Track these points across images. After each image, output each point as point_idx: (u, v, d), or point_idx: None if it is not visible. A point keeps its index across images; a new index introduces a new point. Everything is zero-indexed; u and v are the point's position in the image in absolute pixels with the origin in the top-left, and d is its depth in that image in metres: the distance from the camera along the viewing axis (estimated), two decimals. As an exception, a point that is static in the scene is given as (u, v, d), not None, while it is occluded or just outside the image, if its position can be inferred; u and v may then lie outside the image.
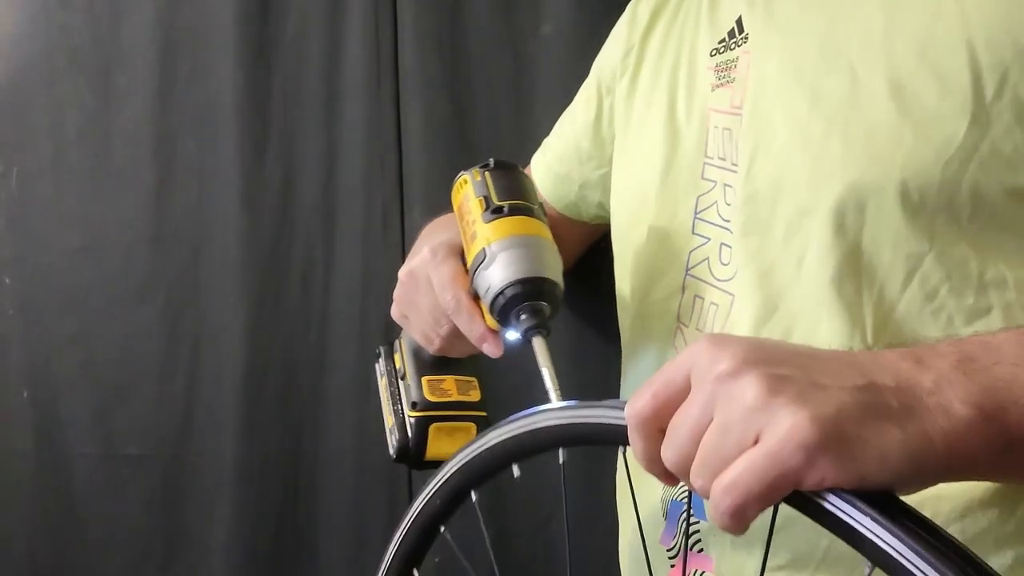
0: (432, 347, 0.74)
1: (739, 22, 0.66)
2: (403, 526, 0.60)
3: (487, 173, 0.69)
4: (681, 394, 0.42)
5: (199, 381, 1.19)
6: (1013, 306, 0.53)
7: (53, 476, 1.24)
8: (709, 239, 0.65)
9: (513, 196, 0.67)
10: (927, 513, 0.47)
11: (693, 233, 0.67)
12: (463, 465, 0.56)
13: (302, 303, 1.14)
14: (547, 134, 0.94)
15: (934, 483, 0.41)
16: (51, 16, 1.25)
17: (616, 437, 0.47)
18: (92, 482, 1.23)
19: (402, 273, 0.72)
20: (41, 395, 1.25)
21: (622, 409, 0.45)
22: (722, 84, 0.66)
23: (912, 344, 0.51)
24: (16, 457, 1.26)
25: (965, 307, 0.54)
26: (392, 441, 0.76)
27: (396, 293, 0.74)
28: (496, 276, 0.63)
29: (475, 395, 0.75)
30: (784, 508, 0.40)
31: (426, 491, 0.58)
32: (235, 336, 1.15)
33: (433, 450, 0.73)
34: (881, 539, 0.37)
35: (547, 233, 0.66)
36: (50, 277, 1.25)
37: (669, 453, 0.43)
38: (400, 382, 0.78)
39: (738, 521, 0.40)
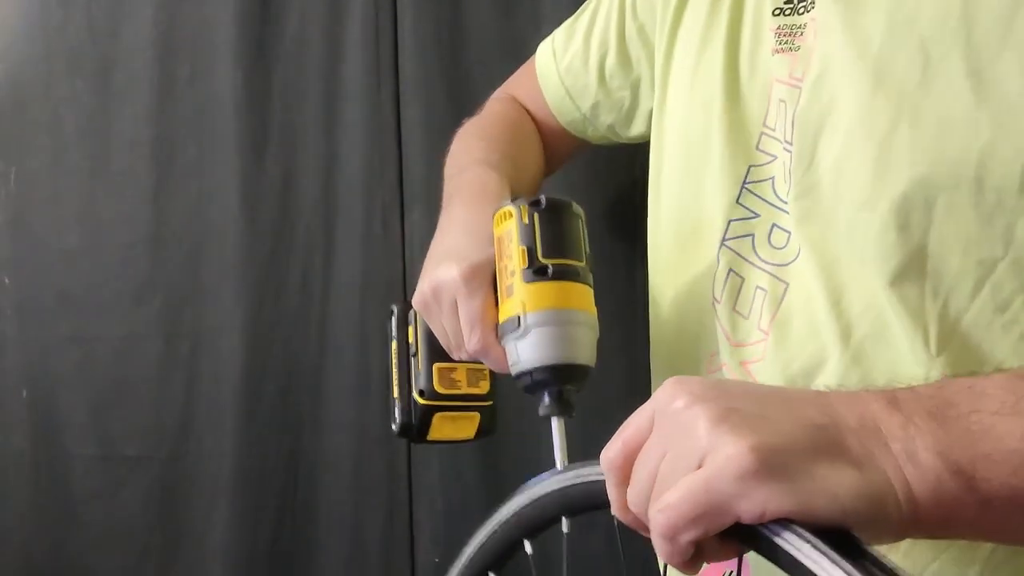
0: (451, 355, 0.70)
1: None
2: None
3: (536, 215, 0.61)
4: (646, 437, 0.42)
5: (198, 381, 1.18)
6: None
7: (51, 476, 1.24)
8: (758, 215, 0.61)
9: (560, 253, 0.60)
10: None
11: (737, 202, 0.62)
12: (481, 546, 0.58)
13: (302, 303, 1.14)
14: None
15: (911, 534, 0.40)
16: (50, 16, 1.25)
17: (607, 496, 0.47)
18: (90, 482, 1.22)
19: (427, 283, 0.65)
20: (39, 395, 1.25)
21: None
22: (782, 50, 0.61)
23: (979, 361, 0.50)
24: (14, 457, 1.26)
25: None
26: (396, 415, 0.74)
27: (418, 295, 0.68)
28: (526, 354, 0.59)
29: (484, 386, 0.73)
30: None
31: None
32: (234, 336, 1.15)
33: (435, 434, 0.73)
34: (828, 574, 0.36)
35: (589, 302, 0.60)
36: (49, 277, 1.25)
37: (631, 493, 0.42)
38: (411, 359, 0.75)
39: (671, 543, 0.39)
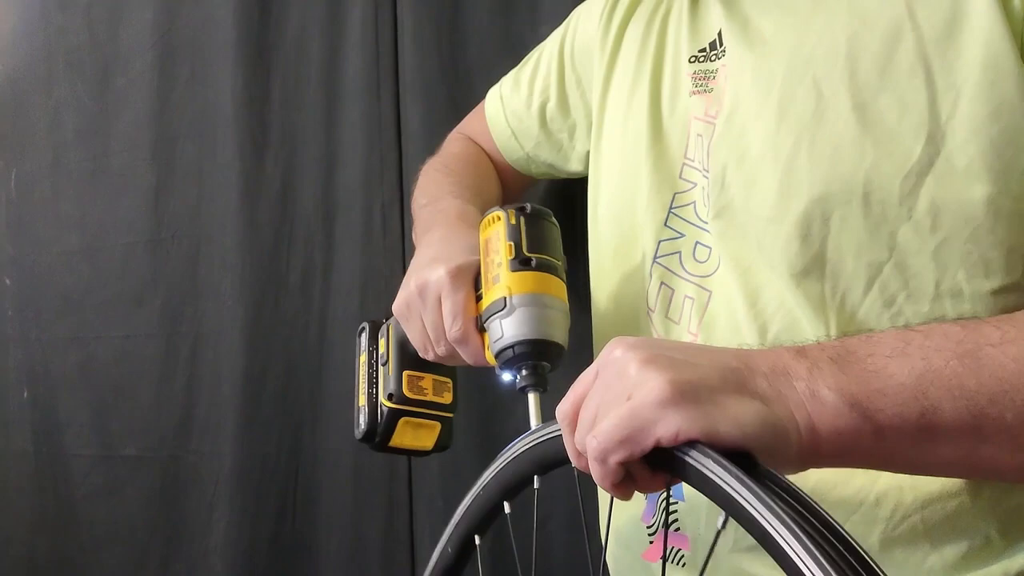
0: (424, 355, 0.75)
1: (720, 36, 0.69)
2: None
3: (522, 218, 0.70)
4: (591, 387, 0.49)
5: (198, 382, 1.19)
6: (966, 316, 0.55)
7: (52, 476, 1.24)
8: (683, 235, 0.69)
9: (542, 250, 0.69)
10: (890, 504, 0.57)
11: (665, 225, 0.70)
12: (466, 510, 0.62)
13: (302, 304, 1.14)
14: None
15: (812, 463, 0.47)
16: (50, 18, 1.25)
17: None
18: (91, 482, 1.23)
19: (413, 282, 0.72)
20: (40, 396, 1.25)
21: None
22: (699, 92, 0.69)
23: None
24: (15, 457, 1.26)
25: (921, 314, 0.56)
26: (360, 421, 0.79)
27: (402, 296, 0.74)
28: (510, 329, 0.66)
29: (448, 397, 0.79)
30: None
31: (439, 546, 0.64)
32: (234, 337, 1.15)
33: (397, 440, 0.78)
34: (732, 488, 0.42)
35: (564, 295, 0.68)
36: (49, 278, 1.25)
37: (577, 435, 0.49)
38: (381, 367, 0.81)
39: (602, 465, 0.46)
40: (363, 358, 0.82)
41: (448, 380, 0.79)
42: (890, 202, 0.56)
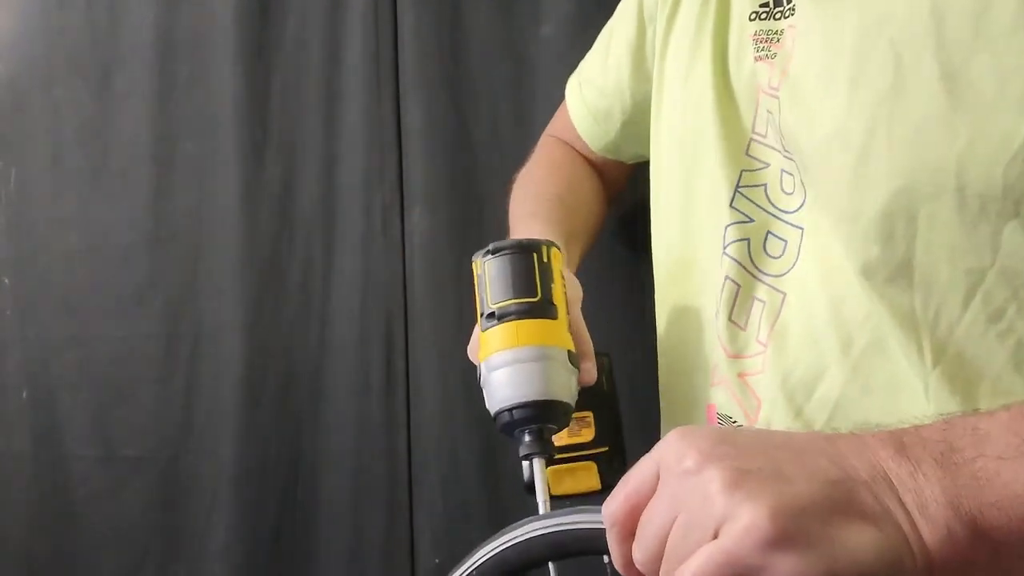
0: None
1: None
2: None
3: (486, 264, 0.62)
4: (652, 492, 0.41)
5: (198, 382, 1.18)
6: None
7: (52, 477, 1.24)
8: (753, 220, 0.60)
9: (505, 295, 0.60)
10: None
11: (731, 206, 0.61)
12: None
13: (302, 304, 1.14)
14: (547, 135, 0.94)
15: None
16: (49, 18, 1.25)
17: (601, 544, 0.45)
18: (91, 483, 1.22)
19: None
20: (40, 396, 1.25)
21: (599, 513, 0.44)
22: (762, 57, 0.60)
23: (977, 372, 0.49)
24: (15, 458, 1.26)
25: None
26: (524, 478, 0.71)
27: None
28: (489, 401, 0.60)
29: (587, 434, 0.70)
30: None
31: None
32: (235, 337, 1.15)
33: (557, 489, 0.69)
34: None
35: (548, 336, 0.59)
36: (49, 278, 1.25)
37: (638, 553, 0.41)
38: None
39: None
40: None
41: (587, 414, 0.71)
42: (991, 194, 0.46)
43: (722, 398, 0.62)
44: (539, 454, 0.58)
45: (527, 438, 0.58)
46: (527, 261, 0.61)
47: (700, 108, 0.63)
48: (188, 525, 1.18)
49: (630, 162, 0.87)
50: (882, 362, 0.52)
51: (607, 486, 0.70)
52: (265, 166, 1.14)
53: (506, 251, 0.61)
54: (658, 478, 0.40)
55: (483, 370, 0.59)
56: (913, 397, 0.51)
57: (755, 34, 0.61)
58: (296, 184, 1.13)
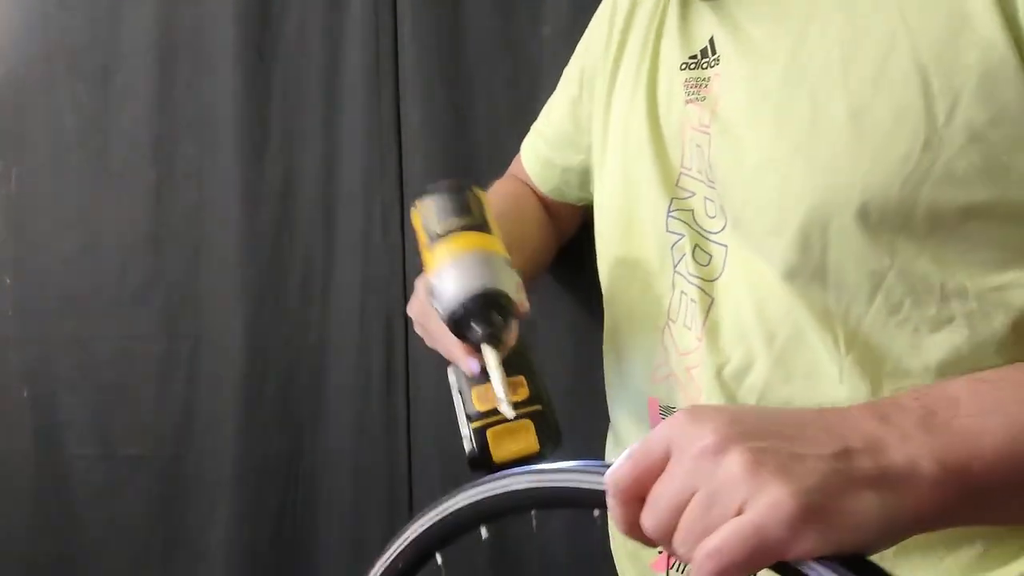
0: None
1: (712, 43, 0.68)
2: None
3: (426, 202, 0.71)
4: (660, 464, 0.45)
5: (198, 382, 1.19)
6: (975, 314, 0.56)
7: (52, 477, 1.24)
8: (683, 235, 0.69)
9: (447, 218, 0.68)
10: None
11: (667, 231, 0.70)
12: (426, 529, 0.55)
13: (302, 304, 1.14)
14: (547, 134, 0.95)
15: (913, 534, 0.44)
16: (49, 17, 1.25)
17: (591, 501, 0.48)
18: (91, 482, 1.22)
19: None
20: (40, 395, 1.25)
21: (598, 473, 0.47)
22: (692, 100, 0.69)
23: (882, 355, 0.58)
24: (15, 457, 1.26)
25: (929, 318, 0.56)
26: (465, 452, 0.75)
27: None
28: (441, 311, 0.65)
29: (522, 392, 0.73)
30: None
31: (388, 553, 0.56)
32: (235, 337, 1.15)
33: (499, 453, 0.72)
34: None
35: (490, 244, 0.67)
36: (49, 278, 1.25)
37: (650, 522, 0.45)
38: (459, 396, 0.78)
39: None
40: (454, 394, 0.80)
41: (518, 376, 0.74)
42: (888, 209, 0.55)
43: (663, 392, 0.71)
44: (490, 339, 0.63)
45: (478, 328, 0.63)
46: (462, 193, 0.71)
47: (640, 149, 0.73)
48: (188, 523, 1.19)
49: (577, 204, 0.95)
50: (803, 351, 0.60)
51: (549, 445, 0.74)
52: (265, 167, 1.14)
53: (442, 188, 0.71)
54: (668, 454, 0.45)
55: (433, 283, 0.66)
56: (830, 381, 0.59)
57: (686, 81, 0.70)
58: (296, 184, 1.14)
